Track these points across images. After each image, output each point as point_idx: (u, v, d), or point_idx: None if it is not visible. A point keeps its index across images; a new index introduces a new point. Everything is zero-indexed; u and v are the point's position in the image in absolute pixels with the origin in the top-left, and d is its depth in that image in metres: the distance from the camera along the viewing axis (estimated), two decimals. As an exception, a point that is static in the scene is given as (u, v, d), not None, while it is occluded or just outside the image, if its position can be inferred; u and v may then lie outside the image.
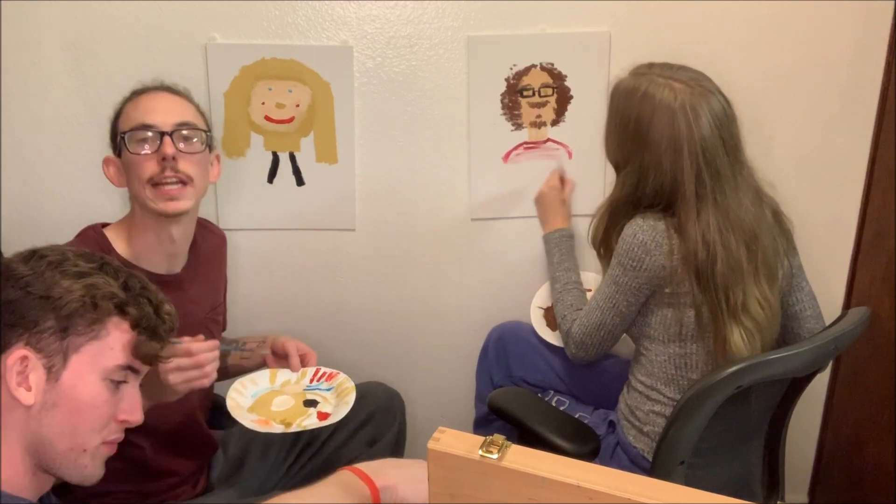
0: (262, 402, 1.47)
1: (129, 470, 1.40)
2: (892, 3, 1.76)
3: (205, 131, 1.48)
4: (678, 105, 1.39)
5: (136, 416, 1.04)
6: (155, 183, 1.41)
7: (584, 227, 1.95)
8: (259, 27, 1.76)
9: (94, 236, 1.44)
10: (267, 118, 1.82)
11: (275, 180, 1.86)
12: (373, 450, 1.65)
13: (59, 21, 1.71)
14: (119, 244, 1.44)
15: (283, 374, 1.55)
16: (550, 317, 1.81)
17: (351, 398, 1.45)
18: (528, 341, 1.84)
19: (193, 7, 1.73)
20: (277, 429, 1.40)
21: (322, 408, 1.46)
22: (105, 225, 1.49)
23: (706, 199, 1.40)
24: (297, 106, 1.81)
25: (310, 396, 1.50)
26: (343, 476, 1.01)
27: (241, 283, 1.94)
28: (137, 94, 1.48)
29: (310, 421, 1.42)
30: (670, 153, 1.39)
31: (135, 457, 1.42)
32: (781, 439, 1.57)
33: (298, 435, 1.61)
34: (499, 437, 0.86)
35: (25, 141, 1.79)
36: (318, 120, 1.82)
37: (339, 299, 2.00)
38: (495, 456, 0.84)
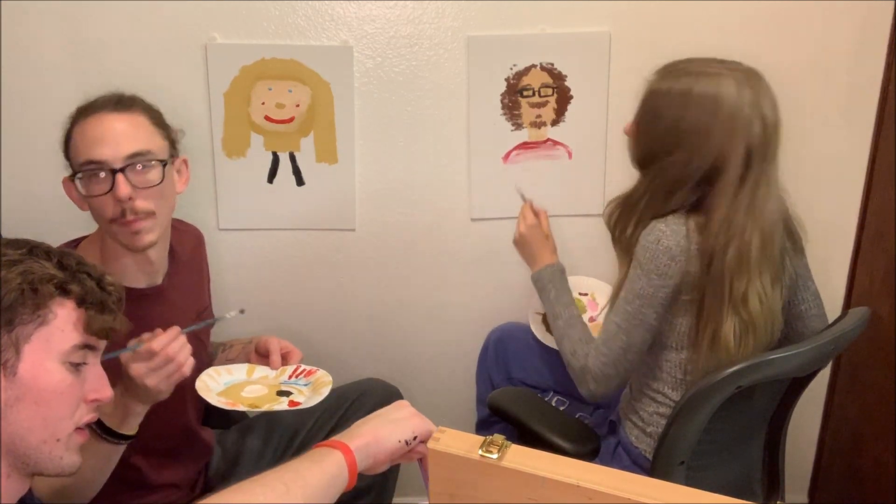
0: (232, 389, 1.42)
1: (129, 490, 1.40)
2: (893, 3, 1.76)
3: (161, 160, 1.35)
4: (742, 81, 1.36)
5: (105, 393, 1.02)
6: (116, 220, 1.32)
7: (584, 227, 1.95)
8: (259, 27, 1.76)
9: None
10: (267, 118, 1.82)
11: (275, 180, 1.86)
12: None
13: (59, 21, 1.71)
14: (93, 262, 1.39)
15: (262, 370, 1.49)
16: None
17: (325, 390, 1.40)
18: (527, 343, 1.83)
19: (193, 7, 1.73)
20: (242, 408, 1.35)
21: (295, 398, 1.41)
22: (77, 241, 1.43)
23: (746, 183, 1.36)
24: (297, 106, 1.81)
25: (284, 388, 1.45)
26: (312, 450, 1.00)
27: (241, 283, 1.94)
28: (84, 115, 1.34)
29: (279, 406, 1.37)
30: (721, 134, 1.34)
31: (133, 478, 1.41)
32: (781, 439, 1.57)
33: (296, 432, 1.61)
34: (499, 437, 0.86)
35: (25, 141, 1.79)
36: (318, 120, 1.82)
37: (339, 299, 2.00)
38: (495, 456, 0.84)
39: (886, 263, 1.84)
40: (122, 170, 1.29)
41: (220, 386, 1.42)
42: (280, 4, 1.75)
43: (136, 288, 1.39)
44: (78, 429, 0.99)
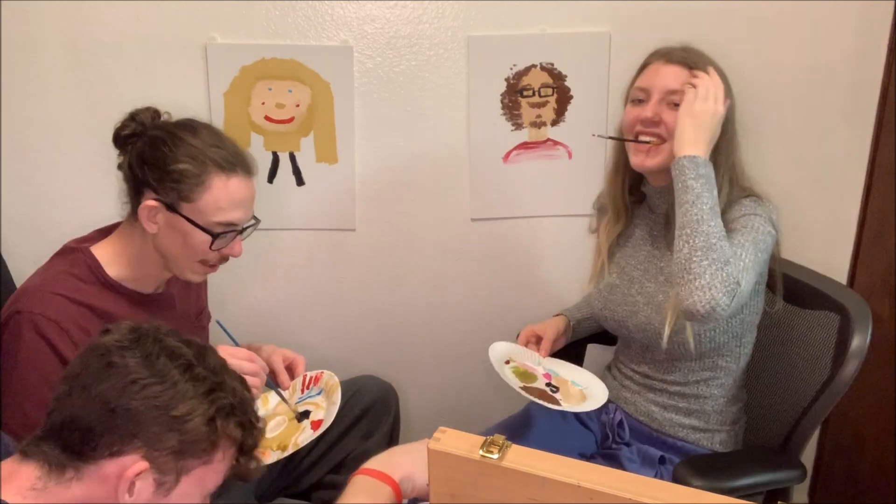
0: None
1: None
2: (893, 3, 1.76)
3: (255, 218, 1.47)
4: None
5: None
6: (205, 263, 1.41)
7: (584, 227, 1.95)
8: (259, 27, 1.76)
9: (83, 259, 1.37)
10: (267, 118, 1.82)
11: (275, 180, 1.86)
12: (368, 443, 1.65)
13: (59, 21, 1.71)
14: (111, 266, 1.38)
15: (276, 396, 1.49)
16: (520, 372, 1.60)
17: (337, 396, 1.42)
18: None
19: (193, 7, 1.73)
20: (275, 456, 1.36)
21: (314, 416, 1.42)
22: (88, 240, 1.43)
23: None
24: (297, 106, 1.81)
25: (301, 408, 1.46)
26: (361, 483, 1.00)
27: (241, 283, 1.94)
28: (227, 171, 1.35)
29: (304, 436, 1.38)
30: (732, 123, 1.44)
31: None
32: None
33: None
34: (499, 437, 0.86)
35: (25, 141, 1.79)
36: (318, 120, 1.82)
37: (339, 299, 2.00)
38: (496, 456, 0.84)
39: (886, 263, 1.84)
40: (241, 231, 1.42)
41: None
42: (280, 4, 1.75)
43: (147, 293, 1.43)
44: None
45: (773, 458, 1.49)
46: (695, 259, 1.29)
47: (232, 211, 1.36)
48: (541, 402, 1.45)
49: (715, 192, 1.34)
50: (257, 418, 1.01)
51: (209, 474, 0.96)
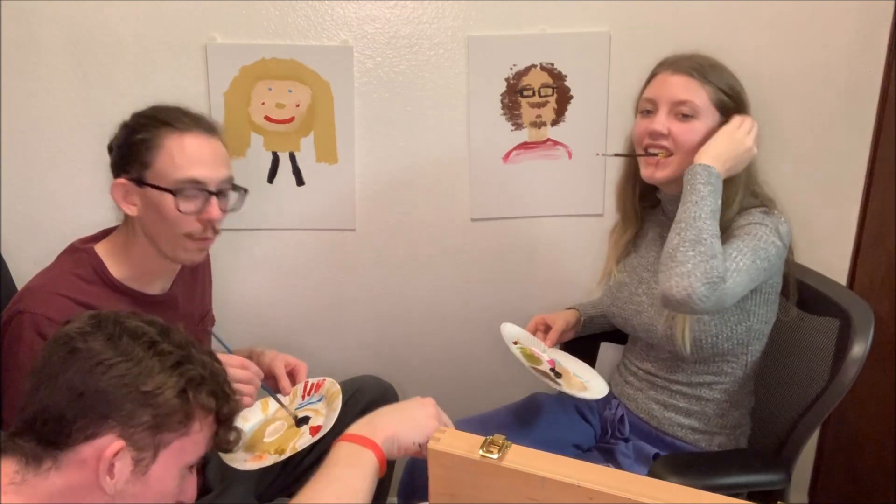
0: (255, 436, 1.41)
1: None
2: (893, 3, 1.76)
3: (242, 188, 1.44)
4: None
5: (191, 497, 1.02)
6: (191, 237, 1.38)
7: (584, 227, 1.96)
8: (259, 27, 1.76)
9: (88, 259, 1.37)
10: (267, 118, 1.82)
11: (275, 180, 1.86)
12: None
13: (59, 21, 1.71)
14: (114, 266, 1.38)
15: (275, 402, 1.48)
16: (526, 353, 1.61)
17: (337, 403, 1.40)
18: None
19: (193, 7, 1.73)
20: (272, 459, 1.34)
21: (314, 422, 1.41)
22: (93, 240, 1.43)
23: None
24: (297, 106, 1.81)
25: (301, 414, 1.44)
26: (340, 450, 1.00)
27: (241, 283, 1.94)
28: (179, 129, 1.35)
29: (302, 441, 1.36)
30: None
31: None
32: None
33: None
34: (499, 437, 0.86)
35: (25, 141, 1.79)
36: (318, 120, 1.82)
37: (339, 299, 2.00)
38: (495, 456, 0.84)
39: (886, 263, 1.84)
40: (216, 194, 1.36)
41: (244, 439, 1.40)
42: (280, 4, 1.75)
43: (151, 294, 1.42)
44: None
45: (758, 460, 1.48)
46: (681, 249, 1.30)
47: (191, 167, 1.33)
48: (545, 379, 1.48)
49: (719, 202, 1.35)
50: (231, 388, 1.02)
51: (188, 446, 0.96)
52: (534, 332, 1.66)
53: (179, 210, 1.34)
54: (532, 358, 1.56)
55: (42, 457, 0.91)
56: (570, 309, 1.74)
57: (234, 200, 1.44)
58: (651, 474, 1.35)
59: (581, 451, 1.61)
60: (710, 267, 1.27)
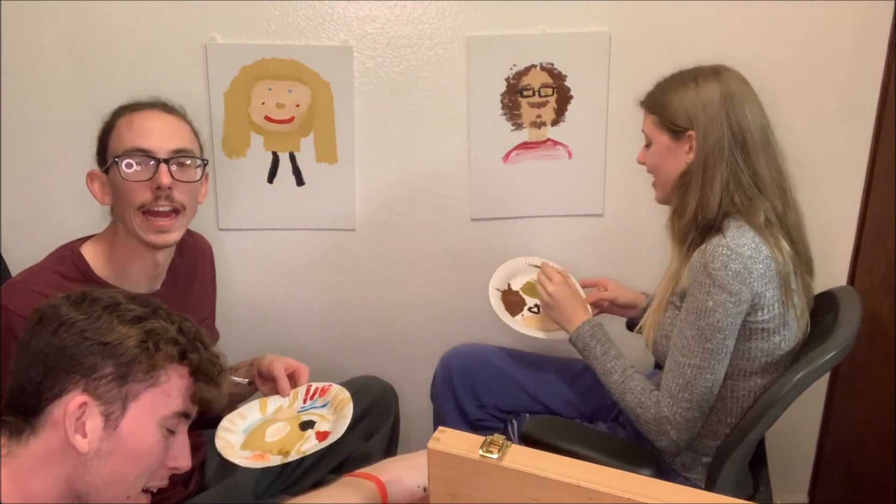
0: (254, 435, 1.38)
1: None
2: (893, 3, 1.76)
3: (202, 160, 1.43)
4: (752, 92, 1.44)
5: (184, 463, 1.02)
6: (146, 210, 1.36)
7: (584, 227, 1.95)
8: (259, 27, 1.76)
9: (71, 257, 1.37)
10: (267, 118, 1.82)
11: (275, 180, 1.86)
12: (369, 443, 1.65)
13: (59, 21, 1.71)
14: (98, 265, 1.39)
15: (275, 402, 1.45)
16: (508, 300, 1.78)
17: (348, 410, 1.38)
18: (493, 365, 1.79)
19: (193, 7, 1.73)
20: (276, 461, 1.32)
21: (320, 427, 1.38)
22: (84, 240, 1.44)
23: (787, 192, 1.44)
24: (297, 106, 1.81)
25: (305, 418, 1.41)
26: (347, 479, 1.01)
27: (241, 283, 1.94)
28: (131, 110, 1.40)
29: (309, 444, 1.33)
30: (755, 143, 1.41)
31: None
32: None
33: None
34: (499, 437, 0.86)
35: (25, 141, 1.79)
36: (318, 120, 1.82)
37: (339, 299, 2.00)
38: (495, 456, 0.84)
39: (886, 263, 1.84)
40: (166, 161, 1.36)
41: (240, 436, 1.38)
42: (280, 4, 1.75)
43: (138, 293, 1.40)
44: (143, 490, 0.99)
45: (634, 451, 1.52)
46: (622, 404, 1.49)
47: (135, 139, 1.36)
48: (503, 318, 1.71)
49: (608, 347, 1.53)
50: (203, 341, 1.03)
51: (159, 398, 0.97)
52: (594, 285, 1.79)
53: (123, 177, 1.35)
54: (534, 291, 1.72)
55: (22, 427, 0.93)
56: (642, 293, 1.78)
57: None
58: (523, 432, 1.52)
59: (572, 406, 1.77)
60: (643, 422, 1.44)
